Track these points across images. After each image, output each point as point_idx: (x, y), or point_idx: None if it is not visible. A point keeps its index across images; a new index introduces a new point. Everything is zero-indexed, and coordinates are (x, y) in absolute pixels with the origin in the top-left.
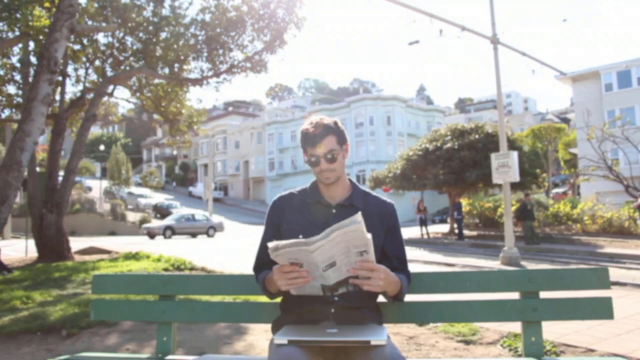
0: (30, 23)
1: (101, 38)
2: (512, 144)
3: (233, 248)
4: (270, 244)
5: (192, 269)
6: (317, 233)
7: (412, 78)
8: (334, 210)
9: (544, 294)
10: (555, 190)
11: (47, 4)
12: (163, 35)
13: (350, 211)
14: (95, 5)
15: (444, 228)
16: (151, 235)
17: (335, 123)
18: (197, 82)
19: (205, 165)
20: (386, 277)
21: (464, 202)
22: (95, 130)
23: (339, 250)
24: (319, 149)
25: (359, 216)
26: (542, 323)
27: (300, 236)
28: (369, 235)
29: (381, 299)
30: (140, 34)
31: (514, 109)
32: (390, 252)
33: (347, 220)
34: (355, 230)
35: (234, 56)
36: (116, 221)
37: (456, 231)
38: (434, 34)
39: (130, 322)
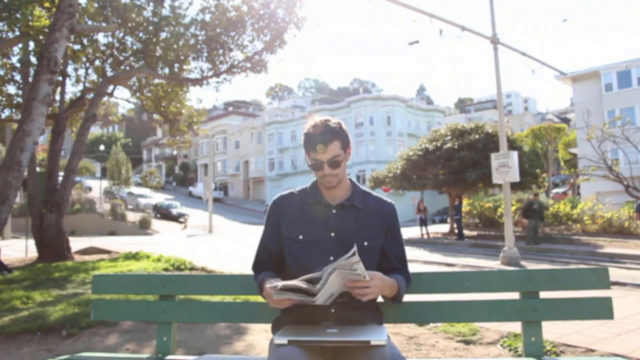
0: (30, 23)
1: (101, 38)
2: (512, 144)
3: (233, 248)
4: (276, 292)
5: (192, 269)
6: (317, 233)
7: (412, 78)
8: (334, 211)
9: (544, 294)
10: (555, 190)
11: (47, 4)
12: (163, 35)
13: (350, 211)
14: (95, 5)
15: (444, 228)
16: None
17: (340, 126)
18: (197, 82)
19: (205, 165)
20: (382, 283)
21: (464, 202)
22: (95, 130)
23: (336, 286)
24: (323, 154)
25: (358, 264)
26: (542, 323)
27: (300, 239)
28: (366, 273)
29: (381, 298)
30: (140, 34)
31: (514, 109)
32: (390, 252)
33: (345, 262)
34: (356, 276)
35: (234, 56)
36: (116, 221)
37: (456, 231)
38: (434, 34)
39: (130, 322)
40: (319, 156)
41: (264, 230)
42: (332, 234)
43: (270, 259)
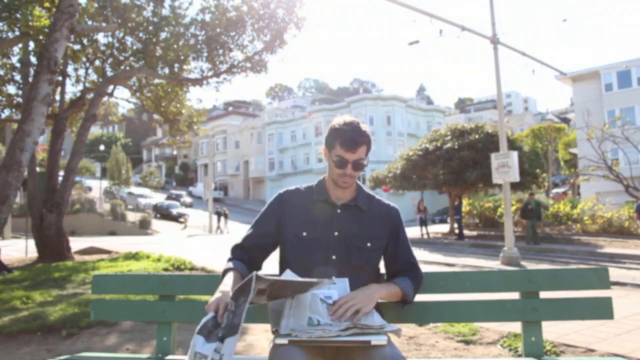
0: (30, 23)
1: (101, 38)
2: (512, 144)
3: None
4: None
5: (192, 269)
6: (321, 231)
7: (412, 78)
8: (338, 210)
9: (544, 294)
10: (555, 190)
11: (47, 4)
12: (163, 35)
13: (354, 212)
14: (95, 5)
15: (444, 228)
16: None
17: (368, 131)
18: (197, 82)
19: (205, 165)
20: (362, 296)
21: (464, 202)
22: (95, 130)
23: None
24: (352, 154)
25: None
26: (542, 323)
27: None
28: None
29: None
30: (140, 34)
31: (514, 109)
32: (398, 255)
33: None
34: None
35: (234, 56)
36: (116, 221)
37: (456, 231)
38: (434, 34)
39: (130, 322)
40: (346, 155)
41: (259, 217)
42: (336, 233)
43: (253, 247)
